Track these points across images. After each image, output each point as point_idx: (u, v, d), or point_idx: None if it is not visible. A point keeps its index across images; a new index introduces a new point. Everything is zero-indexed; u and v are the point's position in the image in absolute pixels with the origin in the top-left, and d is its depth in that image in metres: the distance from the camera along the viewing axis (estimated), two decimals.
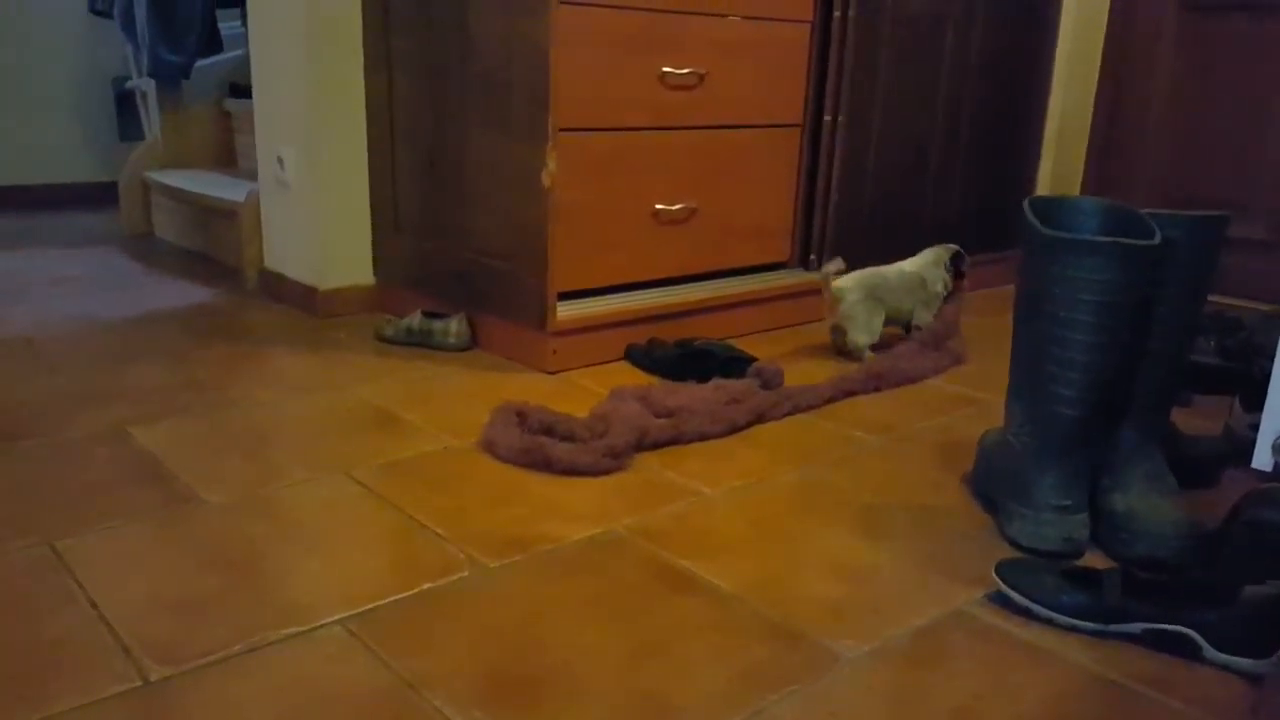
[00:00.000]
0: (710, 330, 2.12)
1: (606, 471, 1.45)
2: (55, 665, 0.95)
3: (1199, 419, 1.74)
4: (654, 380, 1.86)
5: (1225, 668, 1.03)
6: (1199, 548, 1.20)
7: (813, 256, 2.37)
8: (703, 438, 1.60)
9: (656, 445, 1.56)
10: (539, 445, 1.46)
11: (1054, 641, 1.07)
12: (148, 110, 3.24)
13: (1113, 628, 1.07)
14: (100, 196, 3.66)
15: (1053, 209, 1.27)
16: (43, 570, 1.12)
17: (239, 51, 3.01)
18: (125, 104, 3.68)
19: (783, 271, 2.37)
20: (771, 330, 2.27)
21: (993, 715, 0.94)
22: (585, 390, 1.81)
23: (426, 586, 1.12)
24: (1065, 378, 1.20)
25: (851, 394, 1.86)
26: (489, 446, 1.51)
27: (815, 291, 2.32)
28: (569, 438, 1.51)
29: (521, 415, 1.55)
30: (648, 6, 1.90)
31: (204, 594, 1.09)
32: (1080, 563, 1.22)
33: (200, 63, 3.02)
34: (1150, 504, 1.24)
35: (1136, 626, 1.06)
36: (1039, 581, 1.11)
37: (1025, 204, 1.26)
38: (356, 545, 1.21)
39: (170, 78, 3.00)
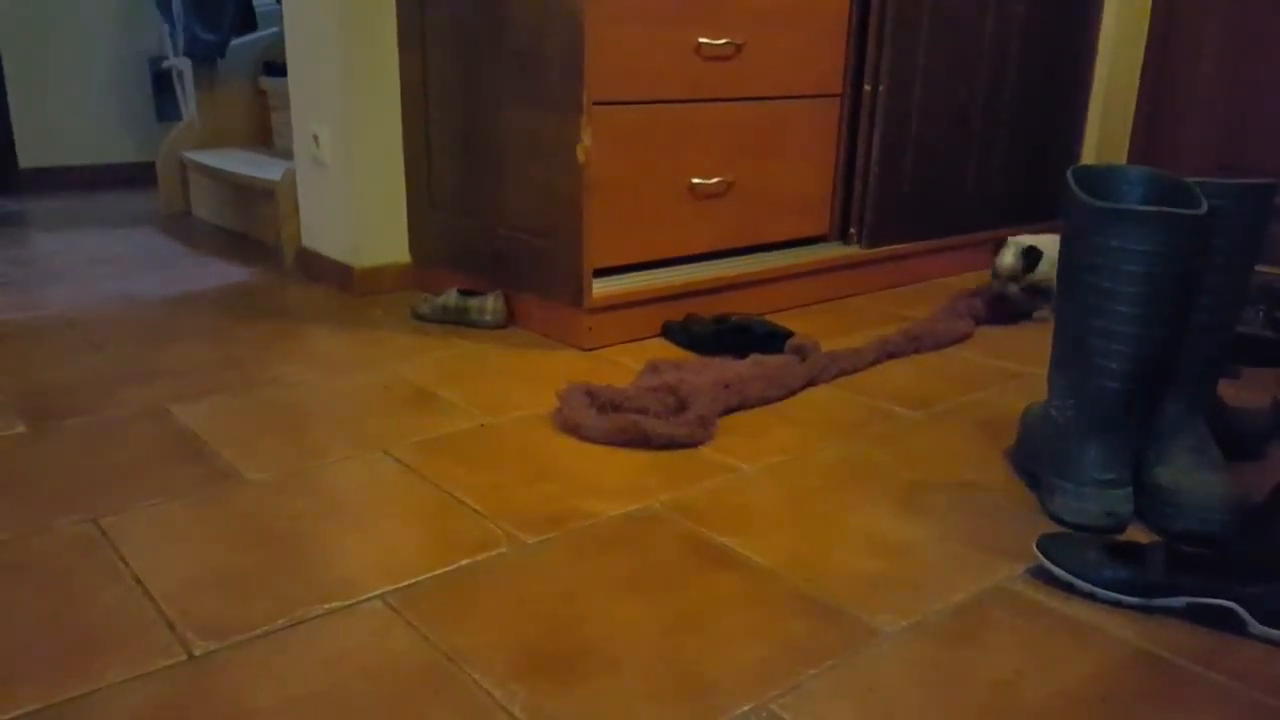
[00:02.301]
0: (748, 305, 2.10)
1: (700, 442, 1.47)
2: (101, 640, 0.97)
3: (1247, 391, 1.70)
4: (690, 356, 1.85)
5: (1270, 642, 1.01)
6: (1245, 522, 1.18)
7: (852, 230, 2.35)
8: (764, 402, 1.63)
9: (727, 411, 1.58)
10: (633, 423, 1.45)
11: (1096, 616, 1.05)
12: (184, 90, 3.27)
13: (1156, 602, 1.05)
14: (138, 177, 3.71)
15: (1097, 178, 1.24)
16: (88, 546, 1.15)
17: (274, 29, 3.03)
18: (162, 84, 3.72)
19: (821, 245, 2.34)
20: (810, 305, 2.25)
21: (1033, 690, 0.93)
22: (622, 367, 1.80)
23: (465, 562, 1.13)
24: (1109, 350, 1.18)
25: (893, 356, 1.88)
26: (573, 429, 1.49)
27: (855, 265, 2.30)
28: (643, 412, 1.50)
29: (591, 394, 1.55)
30: None
31: (246, 569, 1.10)
32: (1123, 537, 1.20)
33: (235, 41, 3.04)
34: (1195, 478, 1.22)
35: (1180, 601, 1.04)
36: (1081, 556, 1.10)
37: (1069, 173, 1.23)
38: (396, 521, 1.23)
39: (206, 57, 3.02)
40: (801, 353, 1.78)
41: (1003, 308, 2.11)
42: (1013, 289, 2.08)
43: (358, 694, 0.90)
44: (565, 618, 1.03)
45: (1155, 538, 1.20)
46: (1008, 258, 2.07)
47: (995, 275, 2.10)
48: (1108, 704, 0.92)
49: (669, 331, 1.98)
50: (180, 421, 1.52)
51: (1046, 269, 2.06)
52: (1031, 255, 2.06)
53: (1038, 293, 2.10)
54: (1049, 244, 2.07)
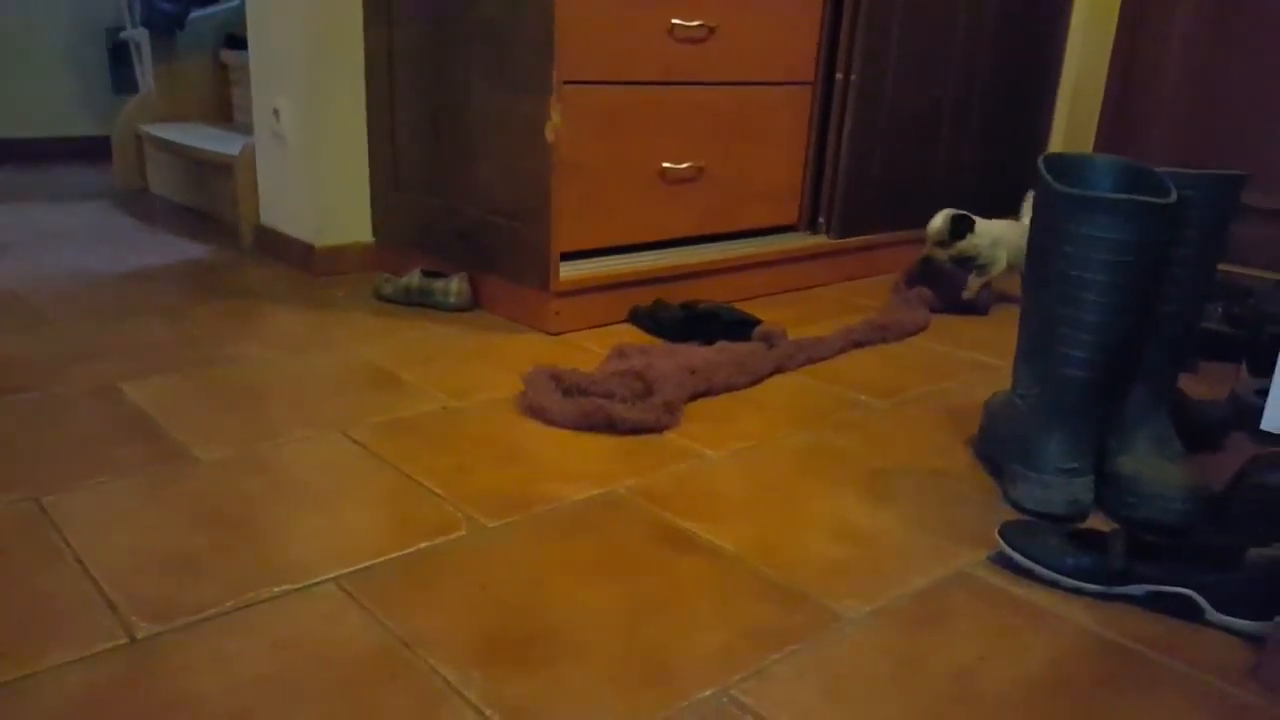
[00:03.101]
0: (716, 293, 2.09)
1: (666, 427, 1.45)
2: (40, 622, 0.94)
3: (1205, 385, 1.72)
4: (657, 342, 1.83)
5: (1227, 629, 1.01)
6: (1204, 511, 1.19)
7: (821, 219, 2.34)
8: (730, 388, 1.62)
9: (694, 397, 1.56)
10: (599, 408, 1.43)
11: (1057, 603, 1.05)
12: (142, 62, 3.18)
13: (1116, 590, 1.06)
14: (93, 150, 3.61)
15: (1068, 166, 1.24)
16: (28, 526, 1.11)
17: (235, 1, 2.95)
18: (119, 55, 3.63)
19: (791, 234, 2.33)
20: (778, 294, 2.24)
21: (995, 676, 0.93)
22: (589, 352, 1.78)
23: (423, 545, 1.11)
24: (1076, 338, 1.18)
25: (859, 345, 1.88)
26: (539, 413, 1.47)
27: (823, 254, 2.30)
28: (609, 397, 1.48)
29: (556, 377, 1.52)
30: None
31: (194, 551, 1.07)
32: (1085, 526, 1.20)
33: (196, 13, 2.96)
34: (1156, 467, 1.23)
35: (1140, 589, 1.05)
36: (1043, 544, 1.10)
37: (1041, 161, 1.23)
38: (352, 504, 1.20)
39: (164, 28, 2.94)
40: (769, 340, 1.77)
41: (930, 273, 2.15)
42: (939, 253, 2.11)
43: (308, 679, 0.87)
44: (526, 602, 1.01)
45: (1116, 526, 1.20)
46: (936, 221, 2.10)
47: (925, 239, 2.14)
48: (1067, 690, 0.91)
49: (636, 317, 1.96)
50: (130, 400, 1.48)
51: (981, 243, 2.08)
52: (960, 223, 2.08)
53: (965, 262, 2.12)
54: (1000, 228, 2.10)
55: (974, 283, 2.11)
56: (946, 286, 2.15)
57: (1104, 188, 1.22)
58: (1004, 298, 2.24)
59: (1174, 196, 1.14)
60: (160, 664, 0.88)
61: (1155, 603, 1.05)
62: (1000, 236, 2.10)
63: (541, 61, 1.75)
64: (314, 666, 0.89)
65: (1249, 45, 2.65)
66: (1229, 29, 2.68)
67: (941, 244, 2.10)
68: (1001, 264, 2.11)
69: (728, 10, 2.01)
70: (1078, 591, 1.07)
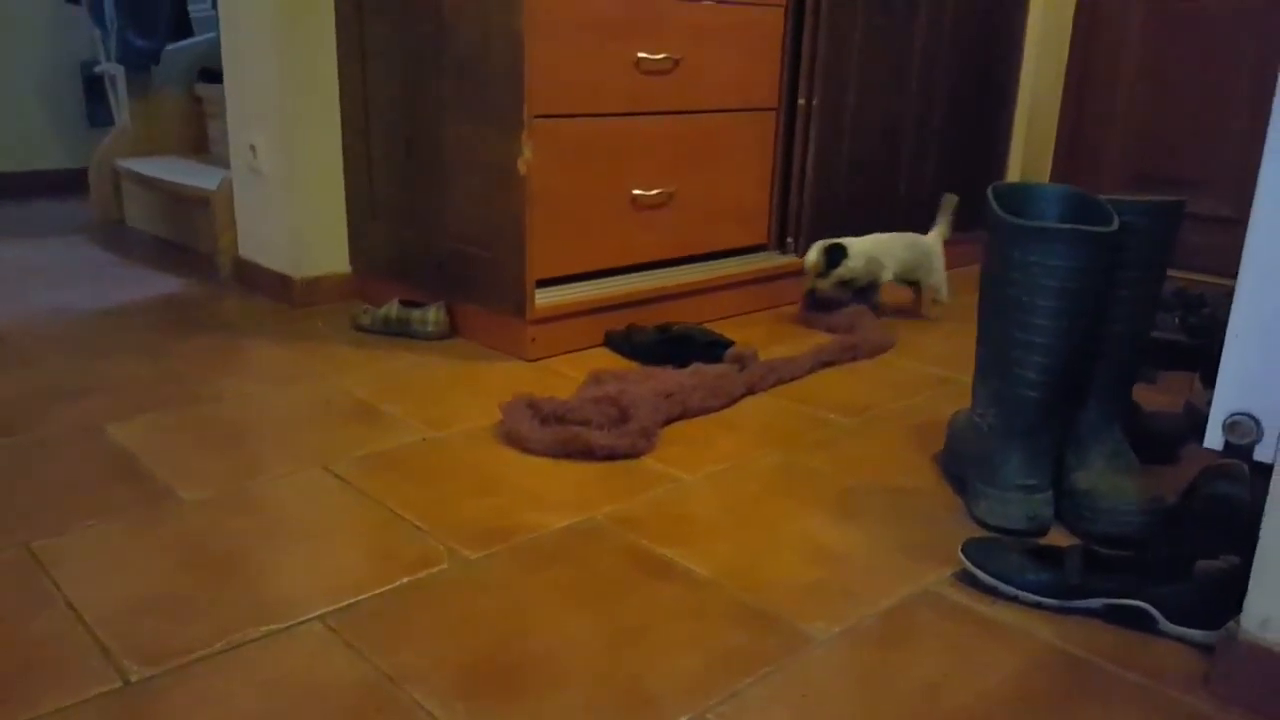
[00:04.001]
0: (689, 314, 2.14)
1: (642, 453, 1.49)
2: (34, 668, 0.96)
3: (1163, 395, 1.78)
4: (632, 365, 1.87)
5: (1180, 639, 1.06)
6: (1159, 523, 1.23)
7: (789, 239, 2.39)
8: (705, 411, 1.66)
9: (669, 421, 1.60)
10: (575, 435, 1.47)
11: (1019, 618, 1.10)
12: (117, 95, 3.20)
13: (1074, 604, 1.10)
14: (69, 183, 3.62)
15: (1016, 196, 1.29)
16: (19, 572, 1.13)
17: (210, 34, 2.98)
18: (94, 89, 3.64)
19: (760, 254, 2.38)
20: (750, 313, 2.29)
21: (959, 692, 0.97)
22: (565, 377, 1.82)
23: (406, 580, 1.14)
24: (1028, 361, 1.23)
25: (830, 364, 1.93)
26: (516, 441, 1.50)
27: (793, 273, 2.35)
28: (585, 423, 1.52)
29: (534, 406, 1.56)
30: None
31: (183, 592, 1.10)
32: (1045, 540, 1.25)
33: (171, 46, 2.99)
34: (1111, 482, 1.28)
35: (1097, 602, 1.09)
36: (1004, 560, 1.14)
37: (989, 191, 1.28)
38: (336, 540, 1.23)
39: (139, 64, 2.96)
40: (741, 362, 1.81)
41: (820, 303, 2.22)
42: (820, 284, 2.18)
43: (297, 717, 0.91)
44: (507, 633, 1.04)
45: (1075, 540, 1.25)
46: (811, 255, 2.18)
47: (805, 272, 2.21)
48: (1028, 703, 0.96)
49: (611, 341, 2.00)
50: (115, 440, 1.50)
51: (855, 265, 2.16)
52: (834, 253, 2.15)
53: (847, 285, 2.20)
54: (871, 244, 2.20)
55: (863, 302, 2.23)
56: (827, 305, 2.23)
57: (1050, 216, 1.27)
58: (902, 312, 2.32)
59: (1116, 224, 1.20)
60: (154, 706, 0.91)
61: (1112, 615, 1.09)
62: (875, 253, 2.19)
63: (512, 97, 1.80)
64: (302, 705, 0.92)
65: (1194, 60, 2.73)
66: (1176, 46, 2.76)
67: (821, 275, 2.17)
68: (888, 274, 2.21)
69: (691, 43, 2.06)
70: (1038, 606, 1.12)
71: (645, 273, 2.14)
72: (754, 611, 1.09)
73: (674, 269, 2.18)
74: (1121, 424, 1.34)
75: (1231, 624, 0.96)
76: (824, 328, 2.17)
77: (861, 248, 2.18)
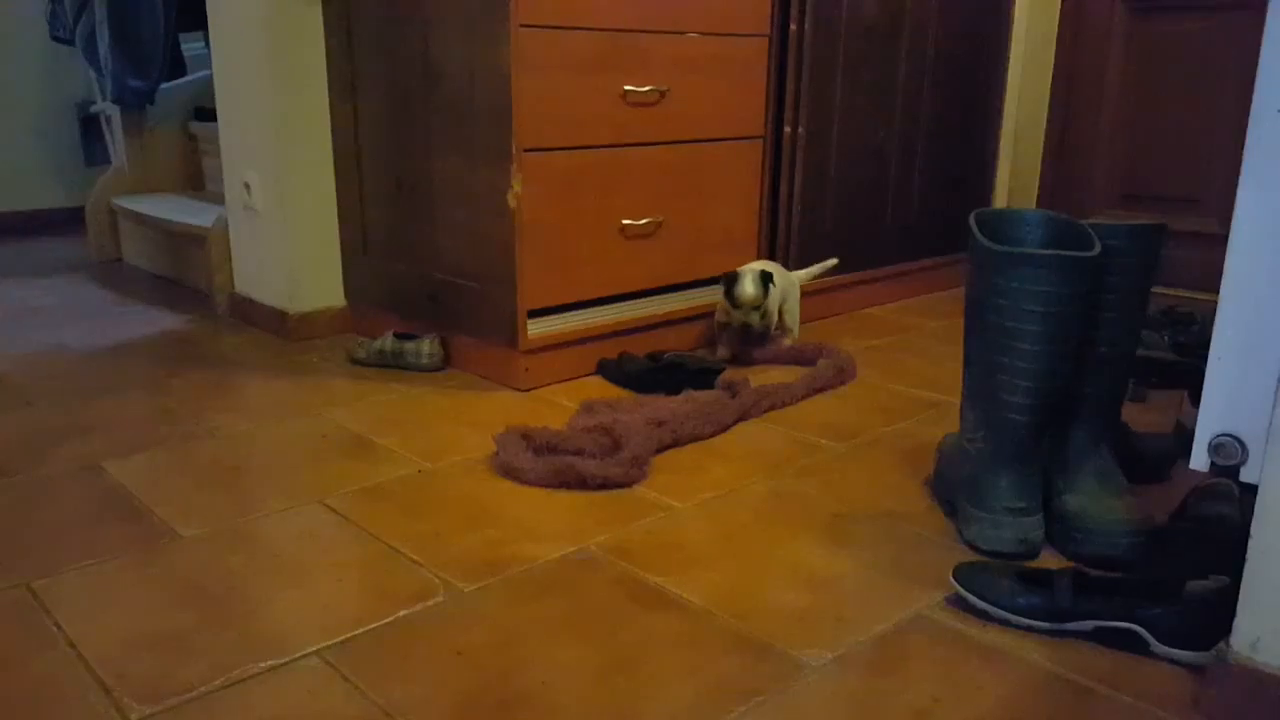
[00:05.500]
0: (680, 342, 2.15)
1: (635, 482, 1.50)
2: (37, 707, 0.97)
3: (1153, 414, 1.79)
4: (625, 394, 1.89)
5: (1170, 660, 1.07)
6: (1149, 544, 1.24)
7: None
8: (697, 438, 1.67)
9: (661, 449, 1.61)
10: (569, 465, 1.48)
11: (1010, 642, 1.11)
12: (113, 135, 3.23)
13: (1065, 626, 1.11)
14: (67, 222, 3.65)
15: (999, 222, 1.32)
16: (20, 611, 1.14)
17: (204, 73, 3.02)
18: (90, 128, 3.68)
19: None
20: None
21: (951, 717, 0.98)
22: (559, 407, 1.84)
23: (402, 613, 1.15)
24: (1014, 385, 1.25)
25: (821, 390, 1.94)
26: (511, 473, 1.52)
27: None
28: (578, 453, 1.54)
29: (527, 436, 1.58)
30: (607, 26, 1.93)
31: (182, 630, 1.11)
32: (1036, 563, 1.26)
33: (165, 85, 3.02)
34: (1101, 503, 1.29)
35: (1088, 624, 1.10)
36: (995, 583, 1.15)
37: (971, 218, 1.30)
38: (333, 574, 1.24)
39: (134, 104, 3.00)
40: (732, 389, 1.83)
41: (750, 338, 2.12)
42: (755, 317, 2.04)
43: None
44: (502, 665, 1.05)
45: (1065, 563, 1.26)
46: (749, 287, 2.00)
47: (737, 306, 2.02)
48: None
49: (604, 369, 2.02)
50: (113, 478, 1.51)
51: (773, 296, 2.08)
52: (767, 280, 2.03)
53: (765, 317, 2.09)
54: (772, 268, 2.11)
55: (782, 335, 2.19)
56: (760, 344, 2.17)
57: (1033, 241, 1.30)
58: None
59: (1098, 249, 1.22)
60: None
61: (1102, 637, 1.10)
62: (778, 277, 2.11)
63: (501, 132, 1.82)
64: None
65: (1179, 78, 2.76)
66: (1160, 65, 2.80)
67: (756, 306, 2.03)
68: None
69: (677, 74, 2.09)
70: (1029, 629, 1.13)
71: (636, 301, 2.16)
72: (747, 639, 1.10)
73: (664, 296, 2.20)
74: (1110, 445, 1.36)
75: (1222, 645, 0.97)
76: (789, 360, 2.11)
77: (771, 271, 2.07)
